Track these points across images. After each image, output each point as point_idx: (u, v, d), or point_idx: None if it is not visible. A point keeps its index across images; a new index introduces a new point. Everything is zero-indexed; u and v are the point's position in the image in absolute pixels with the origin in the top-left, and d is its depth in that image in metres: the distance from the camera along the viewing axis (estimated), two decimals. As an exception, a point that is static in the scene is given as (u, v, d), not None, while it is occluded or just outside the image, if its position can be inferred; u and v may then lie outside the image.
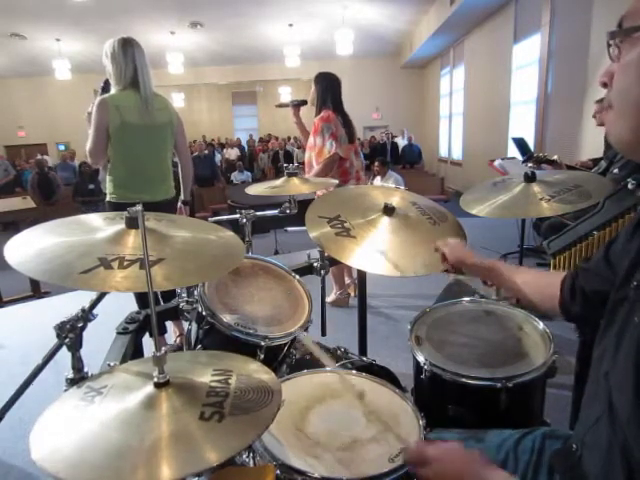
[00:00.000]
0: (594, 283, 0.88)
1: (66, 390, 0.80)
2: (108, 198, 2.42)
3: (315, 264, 1.63)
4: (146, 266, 0.73)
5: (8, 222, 6.12)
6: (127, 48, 2.31)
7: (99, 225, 0.97)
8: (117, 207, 2.33)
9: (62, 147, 13.48)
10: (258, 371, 0.81)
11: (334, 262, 1.53)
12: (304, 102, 3.18)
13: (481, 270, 1.13)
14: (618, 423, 0.64)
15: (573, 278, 0.94)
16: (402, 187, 1.54)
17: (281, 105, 3.39)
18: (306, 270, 1.63)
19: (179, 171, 2.64)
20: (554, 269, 1.80)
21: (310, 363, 1.35)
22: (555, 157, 2.97)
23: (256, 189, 1.67)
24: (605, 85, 0.64)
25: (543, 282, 1.02)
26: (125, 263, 0.82)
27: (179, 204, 2.65)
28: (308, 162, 3.11)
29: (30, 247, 0.84)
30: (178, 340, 2.65)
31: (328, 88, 3.04)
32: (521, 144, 4.01)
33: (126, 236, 0.91)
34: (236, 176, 10.21)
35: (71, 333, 0.94)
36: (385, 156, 9.72)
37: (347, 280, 3.48)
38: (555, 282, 0.97)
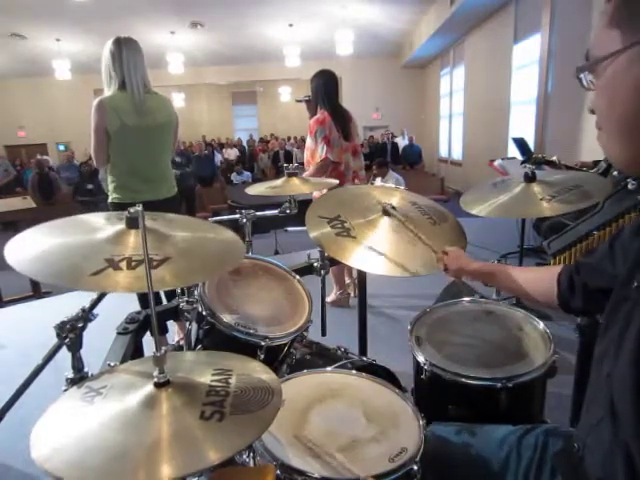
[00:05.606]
0: (597, 280, 0.89)
1: (66, 390, 0.80)
2: (110, 200, 2.40)
3: (315, 264, 1.62)
4: (146, 266, 0.73)
5: (8, 222, 6.11)
6: (116, 48, 2.25)
7: (99, 225, 0.96)
8: (120, 208, 2.30)
9: (62, 147, 13.48)
10: (258, 371, 0.81)
11: (334, 262, 1.53)
12: None
13: (482, 275, 1.16)
14: (620, 425, 0.64)
15: (571, 273, 0.95)
16: (402, 187, 1.54)
17: (299, 100, 3.42)
18: (306, 270, 1.63)
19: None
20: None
21: (310, 363, 1.35)
22: (554, 158, 2.96)
23: (256, 189, 1.67)
24: (593, 112, 0.67)
25: (541, 278, 1.04)
26: (133, 263, 0.82)
27: None
28: (307, 162, 3.12)
29: (32, 248, 0.83)
30: (181, 342, 2.64)
31: (322, 85, 3.03)
32: (521, 144, 4.00)
33: (128, 236, 0.90)
34: (236, 177, 10.20)
35: (71, 333, 0.94)
36: (385, 156, 9.72)
37: (347, 280, 3.48)
38: (552, 277, 0.98)
